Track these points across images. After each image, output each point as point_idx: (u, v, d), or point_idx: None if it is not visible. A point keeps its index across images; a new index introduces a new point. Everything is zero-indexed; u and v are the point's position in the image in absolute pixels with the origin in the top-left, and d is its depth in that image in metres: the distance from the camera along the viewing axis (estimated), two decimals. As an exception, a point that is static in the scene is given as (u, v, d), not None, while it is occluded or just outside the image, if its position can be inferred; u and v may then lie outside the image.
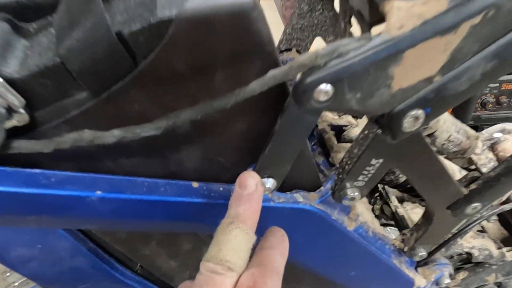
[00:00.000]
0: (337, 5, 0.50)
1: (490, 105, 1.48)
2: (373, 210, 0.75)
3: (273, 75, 0.26)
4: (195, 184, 0.35)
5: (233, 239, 0.27)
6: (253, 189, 0.30)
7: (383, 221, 0.78)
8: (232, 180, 0.36)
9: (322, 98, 0.27)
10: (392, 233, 0.84)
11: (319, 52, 0.26)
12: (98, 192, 0.31)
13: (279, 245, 0.31)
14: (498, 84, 1.42)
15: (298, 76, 0.27)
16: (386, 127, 0.33)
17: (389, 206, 0.71)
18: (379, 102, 0.30)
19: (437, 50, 0.28)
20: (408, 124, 0.32)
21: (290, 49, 0.56)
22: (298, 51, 0.56)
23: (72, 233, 0.40)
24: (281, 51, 0.56)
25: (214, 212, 0.36)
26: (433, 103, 0.31)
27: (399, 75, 0.28)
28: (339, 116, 0.60)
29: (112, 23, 0.25)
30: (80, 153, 0.30)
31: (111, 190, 0.31)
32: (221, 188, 0.35)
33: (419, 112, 0.31)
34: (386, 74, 0.28)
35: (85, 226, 0.36)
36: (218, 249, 0.27)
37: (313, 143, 0.61)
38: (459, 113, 1.32)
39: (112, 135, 0.25)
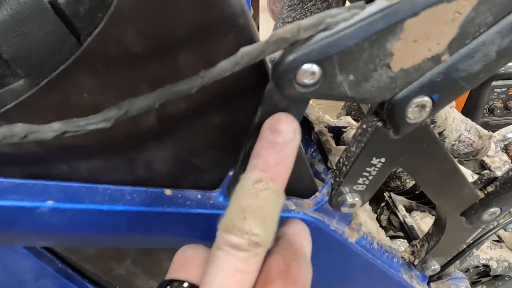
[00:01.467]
0: (330, -5, 0.46)
1: (498, 111, 1.44)
2: (379, 220, 0.70)
3: (246, 52, 0.21)
4: (168, 192, 0.30)
5: (263, 204, 0.22)
6: (290, 136, 0.23)
7: (391, 232, 0.73)
8: (211, 187, 0.31)
9: (308, 81, 0.23)
10: (401, 245, 0.78)
11: (302, 24, 0.22)
12: (50, 202, 0.26)
13: (304, 233, 0.27)
14: (505, 89, 1.38)
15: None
16: (388, 118, 0.28)
17: (397, 216, 0.66)
18: (377, 86, 0.25)
19: (444, 20, 0.23)
20: (413, 114, 0.27)
21: (282, 47, 0.52)
22: (291, 48, 0.52)
23: (36, 252, 0.35)
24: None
25: (191, 224, 0.31)
26: (441, 88, 0.26)
27: (399, 51, 0.24)
28: (337, 118, 0.55)
29: (48, -8, 0.20)
30: (28, 156, 0.26)
31: (65, 199, 0.27)
32: (198, 196, 0.31)
33: (425, 99, 0.27)
34: (383, 50, 0.23)
35: (38, 242, 0.31)
36: (242, 217, 0.21)
37: (312, 149, 0.56)
38: None
39: (51, 129, 0.21)
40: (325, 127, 0.50)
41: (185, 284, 0.23)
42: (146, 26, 0.21)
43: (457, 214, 0.40)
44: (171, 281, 0.23)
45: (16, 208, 0.26)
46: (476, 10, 0.24)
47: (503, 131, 0.67)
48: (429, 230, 0.45)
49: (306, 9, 0.47)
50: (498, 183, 0.39)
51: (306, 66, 0.22)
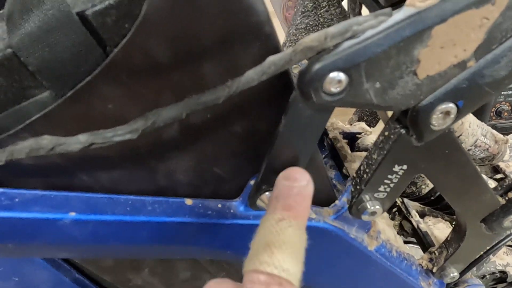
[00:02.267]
0: (344, 1, 0.46)
1: (506, 113, 1.43)
2: (391, 226, 0.69)
3: (273, 61, 0.21)
4: (188, 201, 0.29)
5: (289, 240, 0.22)
6: (304, 183, 0.24)
7: (403, 238, 0.72)
8: (231, 195, 0.31)
9: (334, 89, 0.22)
10: (411, 250, 0.77)
11: (329, 32, 0.21)
12: (72, 214, 0.26)
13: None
14: (513, 92, 1.37)
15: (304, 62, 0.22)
16: (411, 125, 0.27)
17: (409, 222, 0.65)
18: (403, 93, 0.25)
19: (472, 26, 0.23)
20: (438, 121, 0.27)
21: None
22: (303, 55, 0.52)
23: (53, 263, 0.35)
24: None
25: (212, 234, 0.30)
26: (466, 95, 0.26)
27: (426, 58, 0.23)
28: (350, 124, 0.55)
29: (76, 2, 0.20)
30: (49, 167, 0.26)
31: (87, 211, 0.26)
32: (219, 205, 0.30)
33: (450, 106, 0.26)
34: (410, 57, 0.23)
35: (58, 254, 0.31)
36: (270, 252, 0.21)
37: (323, 155, 0.55)
38: None
39: (78, 142, 0.21)
40: (340, 133, 0.50)
41: None
42: (173, 36, 0.21)
43: (478, 221, 0.39)
44: None
45: (39, 220, 0.25)
46: (504, 15, 0.23)
47: (516, 134, 0.66)
48: (447, 237, 0.45)
49: (319, 15, 0.47)
50: (519, 189, 0.38)
51: (333, 75, 0.22)
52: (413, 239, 0.65)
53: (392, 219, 0.70)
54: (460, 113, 0.27)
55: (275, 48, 0.23)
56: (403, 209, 0.66)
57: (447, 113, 0.27)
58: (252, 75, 0.21)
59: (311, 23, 0.48)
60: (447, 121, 0.27)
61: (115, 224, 0.27)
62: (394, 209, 0.69)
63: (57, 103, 0.22)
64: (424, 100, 0.26)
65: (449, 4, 0.22)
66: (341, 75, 0.22)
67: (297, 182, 0.24)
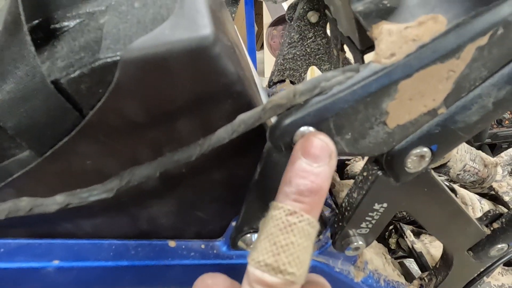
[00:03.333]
0: (330, 32, 0.47)
1: (507, 122, 1.43)
2: (388, 244, 0.69)
3: (243, 120, 0.22)
4: (172, 243, 0.30)
5: (297, 239, 0.20)
6: (325, 161, 0.21)
7: (401, 253, 0.72)
8: (214, 234, 0.31)
9: (305, 142, 0.23)
10: (413, 263, 0.77)
11: (298, 89, 0.22)
12: (55, 262, 0.27)
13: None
14: (513, 100, 1.36)
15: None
16: (387, 168, 0.28)
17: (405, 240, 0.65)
18: (374, 142, 0.25)
19: (438, 78, 0.23)
20: (412, 164, 0.27)
21: (283, 80, 0.52)
22: (292, 82, 0.52)
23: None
24: (274, 83, 0.52)
25: (196, 274, 0.31)
26: (440, 139, 0.27)
27: (395, 110, 0.24)
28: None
29: (51, 70, 0.21)
30: (33, 217, 0.26)
31: (70, 258, 0.27)
32: (202, 246, 0.31)
33: (424, 150, 0.27)
34: (379, 110, 0.24)
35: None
36: (275, 252, 0.20)
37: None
38: None
39: (55, 202, 0.21)
40: (329, 160, 0.50)
41: None
42: (146, 98, 0.21)
43: (464, 251, 0.40)
44: None
45: (23, 269, 0.26)
46: (470, 67, 0.24)
47: (510, 151, 0.66)
48: (436, 264, 0.45)
49: (306, 46, 0.48)
50: (504, 220, 0.38)
51: (303, 129, 0.23)
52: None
53: (389, 236, 0.70)
54: (435, 156, 0.27)
55: (247, 104, 0.23)
56: (399, 228, 0.67)
57: (422, 156, 0.27)
58: (223, 134, 0.21)
59: (298, 53, 0.48)
60: (422, 164, 0.28)
61: (98, 269, 0.28)
62: (391, 227, 0.69)
63: (37, 161, 0.23)
64: (398, 146, 0.26)
65: (414, 60, 0.22)
66: (311, 129, 0.23)
67: (317, 161, 0.21)
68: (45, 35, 0.23)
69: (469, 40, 0.22)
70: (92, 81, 0.21)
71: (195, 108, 0.22)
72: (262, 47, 2.45)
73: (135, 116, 0.22)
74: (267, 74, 2.19)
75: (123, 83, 0.20)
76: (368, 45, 0.30)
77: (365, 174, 0.30)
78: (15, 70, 0.20)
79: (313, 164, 0.21)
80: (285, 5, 1.40)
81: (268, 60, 2.24)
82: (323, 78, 0.23)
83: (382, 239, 0.69)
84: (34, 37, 0.21)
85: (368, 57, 0.34)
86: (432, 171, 0.31)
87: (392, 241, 0.70)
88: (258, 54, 2.28)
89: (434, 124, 0.26)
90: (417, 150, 0.27)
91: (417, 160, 0.27)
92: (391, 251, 0.68)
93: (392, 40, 0.23)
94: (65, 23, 0.24)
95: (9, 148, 0.23)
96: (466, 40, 0.22)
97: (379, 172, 0.29)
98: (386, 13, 0.25)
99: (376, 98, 0.23)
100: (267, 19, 2.33)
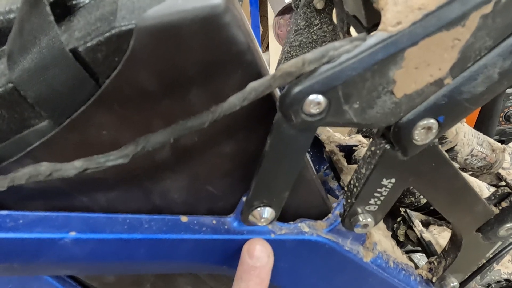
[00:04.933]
0: (335, 18, 0.48)
1: (516, 118, 1.42)
2: (396, 236, 0.69)
3: (253, 87, 0.22)
4: (184, 219, 0.31)
5: None
6: (265, 260, 0.29)
7: (410, 247, 0.72)
8: (225, 211, 0.32)
9: (314, 111, 0.24)
10: (422, 259, 0.77)
11: (306, 58, 0.23)
12: (72, 233, 0.27)
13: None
14: (522, 96, 1.36)
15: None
16: (395, 141, 0.28)
17: (414, 231, 0.66)
18: (382, 112, 0.26)
19: (444, 47, 0.24)
20: (420, 136, 0.28)
21: (290, 69, 0.53)
22: (299, 70, 0.53)
23: (59, 279, 0.37)
24: (281, 72, 0.53)
25: (207, 249, 0.31)
26: (446, 110, 0.27)
27: (401, 79, 0.25)
28: (350, 135, 0.56)
29: (69, 41, 0.22)
30: (50, 190, 0.27)
31: (86, 230, 0.28)
32: (214, 221, 0.32)
33: (431, 122, 0.27)
34: (386, 78, 0.24)
35: (62, 272, 0.32)
36: None
37: (325, 167, 0.56)
38: (482, 128, 1.26)
39: (73, 167, 0.22)
40: (336, 146, 0.51)
41: None
42: (159, 67, 0.22)
43: (473, 231, 0.40)
44: None
45: (41, 240, 0.27)
46: (475, 36, 0.24)
47: (518, 141, 0.66)
48: (445, 246, 0.45)
49: (312, 33, 0.49)
50: (512, 198, 0.39)
51: (312, 97, 0.23)
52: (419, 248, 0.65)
53: (398, 228, 0.70)
54: (442, 128, 0.28)
55: (258, 74, 0.24)
56: (407, 219, 0.67)
57: (429, 128, 0.27)
58: (234, 101, 0.22)
59: (304, 40, 0.49)
60: (429, 136, 0.28)
61: (113, 242, 0.29)
62: (399, 219, 0.70)
63: (55, 131, 0.24)
64: (405, 117, 0.27)
65: (420, 28, 0.23)
66: (320, 97, 0.23)
67: (259, 261, 0.28)
68: (61, 11, 0.24)
69: (474, 7, 0.23)
70: (108, 49, 0.21)
71: (207, 78, 0.23)
72: (267, 48, 2.46)
73: (148, 85, 0.23)
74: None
75: (138, 51, 0.21)
76: (374, 22, 0.31)
77: (373, 149, 0.31)
78: (36, 40, 0.21)
79: (256, 263, 0.28)
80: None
81: (273, 61, 2.25)
82: (331, 47, 0.23)
83: (391, 231, 0.69)
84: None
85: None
86: (439, 146, 0.31)
87: (401, 232, 0.70)
88: (264, 56, 2.30)
89: (440, 95, 0.26)
90: (424, 122, 0.27)
91: (424, 132, 0.28)
92: (399, 244, 0.68)
93: (398, 9, 0.23)
94: (80, 0, 0.25)
95: (28, 118, 0.23)
96: (471, 7, 0.23)
97: (387, 146, 0.29)
98: (392, -14, 0.25)
99: (383, 66, 0.23)
100: (272, 20, 2.35)
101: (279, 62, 0.52)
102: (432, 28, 0.23)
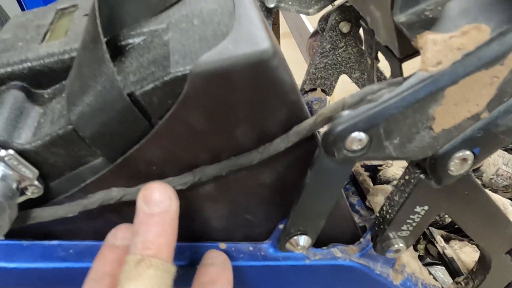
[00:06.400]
0: (364, 44, 0.48)
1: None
2: (416, 249, 0.69)
3: (297, 131, 0.23)
4: (222, 245, 0.32)
5: (149, 283, 0.21)
6: (166, 204, 0.22)
7: (429, 260, 0.72)
8: (260, 237, 0.33)
9: (356, 147, 0.25)
10: (438, 271, 0.77)
11: (346, 102, 0.24)
12: (119, 262, 0.28)
13: (221, 278, 0.26)
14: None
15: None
16: (430, 171, 0.29)
17: (434, 246, 0.65)
18: (420, 146, 0.26)
19: (483, 84, 0.25)
20: (455, 167, 0.28)
21: (315, 89, 0.54)
22: (324, 91, 0.54)
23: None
24: (306, 92, 0.54)
25: (244, 275, 0.32)
26: (482, 143, 0.28)
27: (440, 115, 0.25)
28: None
29: (125, 84, 0.23)
30: (98, 220, 0.28)
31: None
32: (250, 248, 0.32)
33: (467, 153, 0.28)
34: (426, 115, 0.25)
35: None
36: None
37: (346, 182, 0.57)
38: (508, 147, 1.25)
39: (139, 190, 0.23)
40: (361, 166, 0.51)
41: None
42: (210, 108, 0.23)
43: (502, 253, 0.40)
44: None
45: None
46: (513, 72, 0.25)
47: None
48: (473, 267, 0.45)
49: (337, 55, 0.49)
50: (542, 222, 0.39)
51: (354, 134, 0.24)
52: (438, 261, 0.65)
53: (418, 243, 0.70)
54: (477, 159, 0.28)
55: (300, 112, 0.25)
56: (428, 234, 0.67)
57: (464, 159, 0.28)
58: (280, 143, 0.23)
59: (329, 62, 0.50)
60: (464, 167, 0.29)
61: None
62: (419, 233, 0.69)
63: (109, 168, 0.25)
64: (442, 149, 0.28)
65: (460, 68, 0.24)
66: (362, 135, 0.24)
67: (157, 206, 0.22)
68: (112, 52, 0.26)
69: (512, 47, 0.24)
70: (164, 93, 0.23)
71: (253, 117, 0.24)
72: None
73: (198, 124, 0.24)
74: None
75: (191, 95, 0.22)
76: (406, 54, 0.32)
77: (406, 177, 0.32)
78: (95, 85, 0.22)
79: (154, 208, 0.22)
80: (303, 17, 1.41)
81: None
82: (369, 91, 0.24)
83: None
84: None
85: (405, 65, 0.35)
86: (472, 174, 0.32)
87: (421, 247, 0.70)
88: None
89: (476, 128, 0.27)
90: (460, 154, 0.28)
91: (459, 163, 0.28)
92: (418, 257, 0.68)
93: (438, 49, 0.24)
94: (130, 41, 0.26)
95: (84, 156, 0.25)
96: (510, 47, 0.24)
97: (422, 176, 0.30)
98: (429, 24, 0.26)
99: (424, 104, 0.24)
100: (284, 28, 2.36)
101: (304, 83, 0.53)
102: (472, 67, 0.24)
